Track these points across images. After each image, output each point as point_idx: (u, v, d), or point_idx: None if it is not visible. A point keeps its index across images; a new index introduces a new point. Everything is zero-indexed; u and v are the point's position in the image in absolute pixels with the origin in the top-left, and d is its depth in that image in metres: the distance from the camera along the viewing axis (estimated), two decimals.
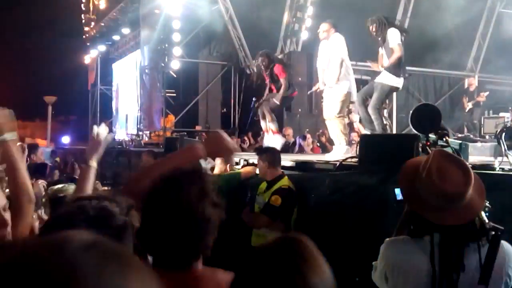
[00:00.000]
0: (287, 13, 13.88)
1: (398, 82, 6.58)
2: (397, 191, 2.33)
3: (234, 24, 13.49)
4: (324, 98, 7.39)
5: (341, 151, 6.91)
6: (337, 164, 5.26)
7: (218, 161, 5.71)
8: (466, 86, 13.03)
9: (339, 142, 7.14)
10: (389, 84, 6.57)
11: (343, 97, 6.98)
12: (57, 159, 12.69)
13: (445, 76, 15.33)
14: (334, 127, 7.12)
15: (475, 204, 2.07)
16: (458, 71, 15.08)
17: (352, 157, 5.42)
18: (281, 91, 8.00)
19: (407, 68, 13.96)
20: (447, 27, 13.77)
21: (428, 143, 4.00)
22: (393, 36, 6.59)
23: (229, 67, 14.99)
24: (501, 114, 11.71)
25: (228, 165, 5.75)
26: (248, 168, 5.82)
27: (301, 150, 10.17)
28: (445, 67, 14.75)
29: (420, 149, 3.95)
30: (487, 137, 10.28)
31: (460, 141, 4.76)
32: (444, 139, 4.06)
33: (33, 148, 7.45)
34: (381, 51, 6.78)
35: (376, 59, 6.86)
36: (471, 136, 10.96)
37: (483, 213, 2.08)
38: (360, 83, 10.59)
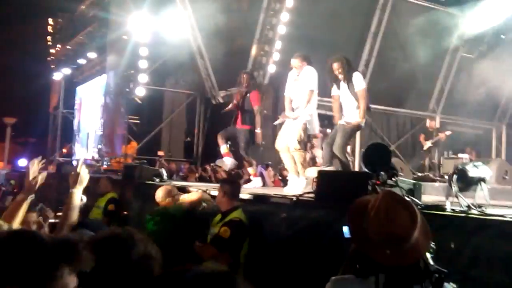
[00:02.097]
0: (256, 46, 13.99)
1: (361, 121, 6.64)
2: (345, 228, 2.30)
3: (202, 54, 13.53)
4: (283, 129, 7.32)
5: (301, 185, 6.87)
6: (294, 199, 5.22)
7: (160, 194, 5.64)
8: (427, 125, 13.31)
9: (297, 175, 7.10)
10: (352, 123, 6.62)
11: (302, 127, 6.96)
12: (12, 181, 12.34)
13: (407, 115, 15.64)
14: (294, 160, 7.07)
15: (421, 246, 2.06)
16: (420, 111, 15.39)
17: (309, 193, 5.40)
18: (258, 127, 7.82)
19: (372, 106, 14.29)
20: (411, 67, 14.13)
21: (378, 182, 4.01)
22: (359, 80, 6.68)
23: (195, 97, 14.97)
24: (460, 155, 11.96)
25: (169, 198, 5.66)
26: (193, 196, 5.73)
27: (263, 181, 10.10)
28: (408, 106, 15.07)
29: (370, 188, 3.96)
30: (445, 177, 10.44)
31: (414, 181, 4.80)
32: (394, 178, 4.08)
33: None
34: (337, 91, 6.83)
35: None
36: (431, 175, 11.14)
37: (428, 255, 2.07)
38: (324, 119, 10.72)
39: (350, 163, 7.24)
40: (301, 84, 7.12)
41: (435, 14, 14.02)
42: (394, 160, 10.88)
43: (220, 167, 11.04)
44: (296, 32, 12.70)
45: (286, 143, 7.09)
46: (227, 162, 7.99)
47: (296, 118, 6.99)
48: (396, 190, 3.83)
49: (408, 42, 13.36)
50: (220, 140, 8.08)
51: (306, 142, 7.32)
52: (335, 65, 6.83)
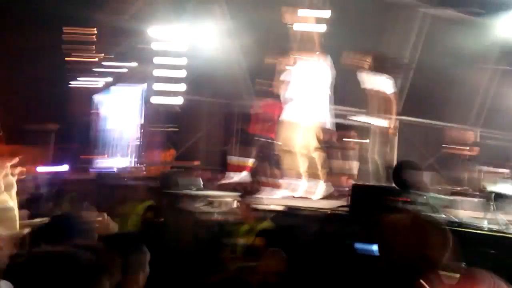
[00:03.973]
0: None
1: (391, 124, 6.53)
2: (374, 247, 2.32)
3: (240, 64, 13.62)
4: (293, 129, 7.20)
5: (320, 190, 6.80)
6: (328, 213, 5.23)
7: None
8: (466, 139, 13.05)
9: (317, 179, 7.00)
10: (384, 126, 6.55)
11: (319, 125, 6.86)
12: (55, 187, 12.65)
13: (446, 128, 15.33)
14: (313, 162, 6.95)
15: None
16: (460, 124, 15.10)
17: (343, 206, 5.39)
18: None
19: (409, 118, 14.10)
20: (451, 80, 13.91)
21: (408, 200, 4.00)
22: (389, 84, 6.56)
23: (232, 106, 15.07)
24: (500, 170, 11.69)
25: None
26: None
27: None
28: (448, 119, 14.80)
29: (400, 205, 3.95)
30: (485, 192, 10.21)
31: (450, 198, 4.75)
32: (424, 197, 4.06)
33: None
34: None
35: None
36: (470, 190, 10.91)
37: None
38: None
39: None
40: (313, 82, 7.03)
41: (476, 25, 13.79)
42: (432, 174, 10.75)
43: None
44: (333, 44, 12.68)
45: (303, 144, 6.97)
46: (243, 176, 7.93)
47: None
48: (427, 208, 3.81)
49: (448, 54, 13.15)
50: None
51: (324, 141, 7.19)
52: (367, 60, 6.66)
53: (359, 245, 2.06)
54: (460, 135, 13.78)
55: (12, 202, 2.39)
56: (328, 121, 6.97)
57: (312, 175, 7.13)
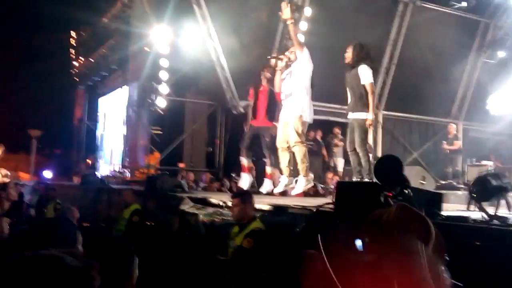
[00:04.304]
0: (276, 54, 14.01)
1: (369, 116, 6.51)
2: (359, 242, 2.31)
3: (222, 65, 13.60)
4: (280, 126, 7.19)
5: (300, 185, 6.79)
6: (314, 210, 5.22)
7: None
8: (448, 131, 13.19)
9: (290, 174, 6.99)
10: (361, 119, 6.53)
11: (298, 119, 6.86)
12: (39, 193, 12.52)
13: (429, 122, 15.49)
14: (295, 156, 6.94)
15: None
16: (442, 118, 15.24)
17: (329, 203, 5.39)
18: None
19: (392, 113, 14.20)
20: (432, 73, 14.02)
21: (390, 194, 3.99)
22: (366, 74, 6.54)
23: (216, 107, 15.06)
24: (484, 162, 11.82)
25: None
26: None
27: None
28: (430, 113, 14.93)
29: (382, 200, 3.95)
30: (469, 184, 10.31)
31: (435, 191, 4.77)
32: (407, 191, 4.06)
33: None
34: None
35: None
36: (454, 183, 11.02)
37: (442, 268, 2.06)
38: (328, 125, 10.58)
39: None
40: (294, 74, 7.03)
41: (456, 19, 13.92)
42: (416, 168, 10.83)
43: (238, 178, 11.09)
44: (315, 41, 12.68)
45: (286, 139, 6.97)
46: (245, 180, 7.90)
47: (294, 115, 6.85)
48: (410, 202, 3.82)
49: (429, 48, 13.25)
50: (243, 151, 8.03)
51: (305, 135, 7.17)
52: (347, 50, 6.69)
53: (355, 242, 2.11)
54: (443, 128, 13.90)
55: None
56: (308, 114, 6.95)
57: (293, 170, 7.12)
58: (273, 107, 7.77)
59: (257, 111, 7.98)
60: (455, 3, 14.12)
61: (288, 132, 6.88)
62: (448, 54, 13.86)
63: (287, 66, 7.12)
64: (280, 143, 7.08)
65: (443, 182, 10.97)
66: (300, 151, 6.85)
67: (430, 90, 14.03)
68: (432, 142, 15.25)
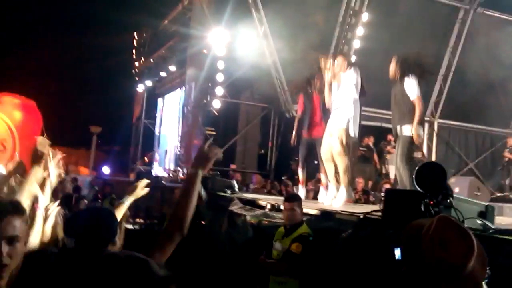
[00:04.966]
0: (328, 58, 13.97)
1: (414, 131, 6.34)
2: (397, 251, 2.32)
3: (277, 68, 13.70)
4: (325, 137, 7.15)
5: (341, 196, 6.74)
6: (361, 217, 5.23)
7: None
8: (509, 143, 12.76)
9: (338, 185, 6.94)
10: (407, 136, 6.39)
11: (344, 130, 6.81)
12: (96, 188, 13.02)
13: (487, 132, 15.03)
14: (337, 167, 6.90)
15: (477, 275, 2.03)
16: (501, 128, 14.77)
17: (376, 211, 5.38)
18: None
19: (449, 122, 13.87)
20: (491, 82, 13.62)
21: (431, 203, 3.94)
22: (412, 87, 6.38)
23: (269, 110, 15.17)
24: None
25: None
26: None
27: None
28: (488, 123, 14.51)
29: (423, 208, 3.91)
30: None
31: (486, 204, 4.67)
32: (448, 200, 3.99)
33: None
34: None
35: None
36: (511, 196, 10.68)
37: (484, 284, 2.05)
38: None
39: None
40: (343, 87, 6.98)
41: None
42: (471, 179, 10.58)
43: (289, 182, 11.15)
44: (371, 46, 12.62)
45: (330, 150, 6.94)
46: (301, 193, 7.88)
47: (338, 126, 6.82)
48: (451, 212, 3.78)
49: (488, 56, 12.87)
50: (300, 163, 8.02)
51: (349, 147, 7.10)
52: (392, 64, 6.56)
53: (391, 249, 2.11)
54: (502, 139, 13.47)
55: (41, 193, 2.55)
56: (353, 129, 6.92)
57: (336, 181, 7.09)
58: (325, 117, 7.76)
59: (310, 121, 7.96)
60: None
61: (332, 143, 6.86)
62: (509, 63, 13.43)
63: (334, 78, 7.10)
64: (324, 154, 7.05)
65: (499, 194, 10.64)
66: (342, 163, 6.80)
67: (489, 99, 13.63)
68: (489, 153, 14.81)
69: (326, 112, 7.69)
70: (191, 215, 2.30)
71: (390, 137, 12.85)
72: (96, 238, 1.99)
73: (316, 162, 8.18)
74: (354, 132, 6.94)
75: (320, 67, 7.43)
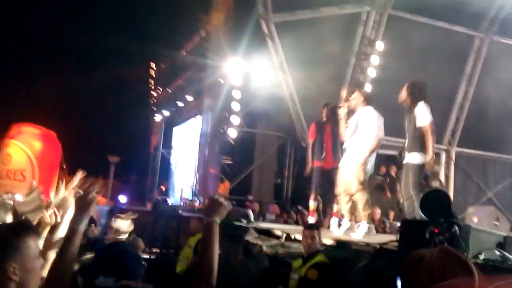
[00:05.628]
0: (346, 89, 14.02)
1: (425, 158, 6.27)
2: (399, 281, 2.30)
3: (293, 98, 13.78)
4: (342, 173, 7.13)
5: (362, 230, 6.71)
6: (378, 247, 5.20)
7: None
8: None
9: (353, 219, 6.92)
10: (416, 163, 6.33)
11: (362, 168, 6.80)
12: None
13: (507, 161, 14.84)
14: (355, 203, 6.89)
15: None
16: None
17: (393, 241, 5.34)
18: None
19: (467, 150, 13.73)
20: (510, 110, 13.51)
21: (436, 231, 3.92)
22: (423, 113, 6.32)
23: (285, 139, 15.21)
24: None
25: None
26: None
27: None
28: (508, 151, 14.33)
29: (427, 236, 3.89)
30: None
31: (505, 234, 4.61)
32: (453, 228, 3.95)
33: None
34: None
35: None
36: None
37: None
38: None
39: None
40: (360, 124, 6.97)
41: None
42: (490, 208, 10.45)
43: (305, 211, 11.08)
44: (386, 76, 12.64)
45: (345, 185, 6.92)
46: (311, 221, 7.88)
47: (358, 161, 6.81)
48: (455, 239, 3.75)
49: (505, 84, 12.80)
50: (313, 195, 8.01)
51: (366, 182, 7.08)
52: (403, 92, 6.52)
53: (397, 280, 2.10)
54: None
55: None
56: (370, 165, 6.93)
57: (355, 216, 7.07)
58: (338, 147, 7.78)
59: (324, 151, 7.96)
60: None
61: (350, 179, 6.86)
62: None
63: (350, 113, 7.15)
64: (340, 189, 7.06)
65: None
66: (362, 199, 6.80)
67: (508, 127, 13.51)
68: (509, 181, 14.59)
69: (336, 144, 7.72)
70: (217, 265, 2.33)
71: None
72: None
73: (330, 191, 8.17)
74: (371, 167, 6.98)
75: (340, 98, 7.50)
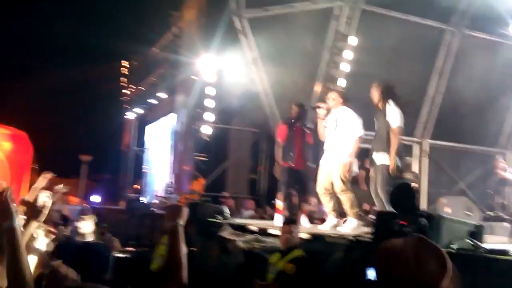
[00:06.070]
0: (320, 84, 14.07)
1: (391, 164, 6.30)
2: (370, 271, 2.29)
3: (267, 93, 13.75)
4: (322, 172, 7.13)
5: (351, 225, 6.75)
6: (353, 239, 5.22)
7: None
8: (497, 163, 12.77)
9: (336, 216, 6.97)
10: (383, 164, 6.37)
11: (345, 168, 6.83)
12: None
13: (477, 152, 15.05)
14: (340, 201, 6.93)
15: None
16: (491, 148, 14.83)
17: (367, 233, 5.36)
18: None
19: (439, 142, 13.90)
20: (480, 102, 13.72)
21: (404, 223, 3.99)
22: (394, 117, 6.35)
23: (260, 135, 15.19)
24: None
25: None
26: None
27: None
28: (478, 143, 14.56)
29: (396, 228, 3.94)
30: None
31: (476, 223, 4.68)
32: (421, 221, 4.02)
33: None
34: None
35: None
36: (502, 215, 10.66)
37: None
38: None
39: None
40: (340, 125, 6.99)
41: (504, 48, 13.63)
42: (462, 198, 10.59)
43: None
44: (360, 70, 12.71)
45: (325, 186, 6.93)
46: (278, 220, 7.85)
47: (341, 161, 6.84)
48: (423, 231, 3.81)
49: (476, 77, 12.99)
50: (281, 195, 7.96)
51: (350, 182, 7.10)
52: (374, 92, 6.54)
53: (367, 271, 2.10)
54: (491, 158, 13.48)
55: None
56: (354, 165, 6.99)
57: (342, 213, 7.08)
58: (306, 148, 7.80)
59: (294, 154, 7.91)
60: (504, 32, 13.84)
61: (333, 179, 6.86)
62: (496, 83, 13.54)
63: (328, 113, 7.15)
64: (319, 189, 7.06)
65: (491, 213, 10.63)
66: (348, 199, 6.82)
67: (479, 119, 13.73)
68: (480, 172, 14.80)
69: (305, 145, 7.72)
70: (186, 263, 2.36)
71: None
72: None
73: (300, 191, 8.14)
74: (356, 167, 7.03)
75: (314, 93, 7.52)
